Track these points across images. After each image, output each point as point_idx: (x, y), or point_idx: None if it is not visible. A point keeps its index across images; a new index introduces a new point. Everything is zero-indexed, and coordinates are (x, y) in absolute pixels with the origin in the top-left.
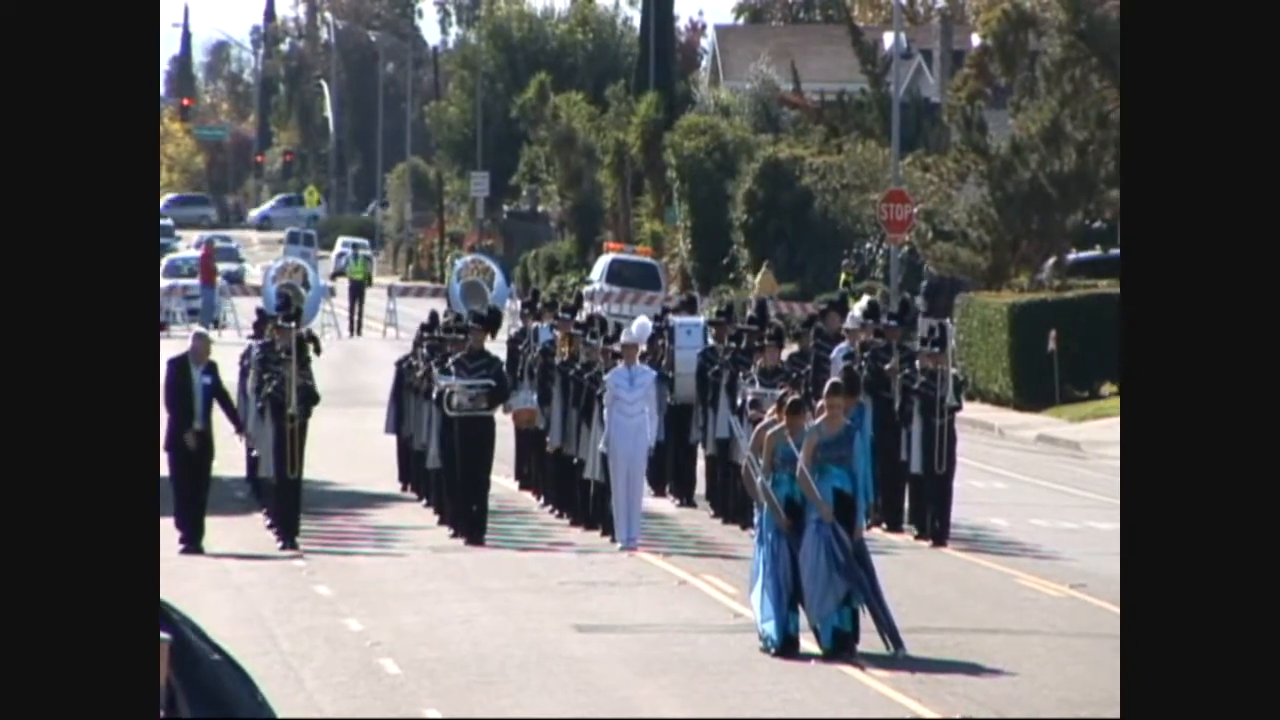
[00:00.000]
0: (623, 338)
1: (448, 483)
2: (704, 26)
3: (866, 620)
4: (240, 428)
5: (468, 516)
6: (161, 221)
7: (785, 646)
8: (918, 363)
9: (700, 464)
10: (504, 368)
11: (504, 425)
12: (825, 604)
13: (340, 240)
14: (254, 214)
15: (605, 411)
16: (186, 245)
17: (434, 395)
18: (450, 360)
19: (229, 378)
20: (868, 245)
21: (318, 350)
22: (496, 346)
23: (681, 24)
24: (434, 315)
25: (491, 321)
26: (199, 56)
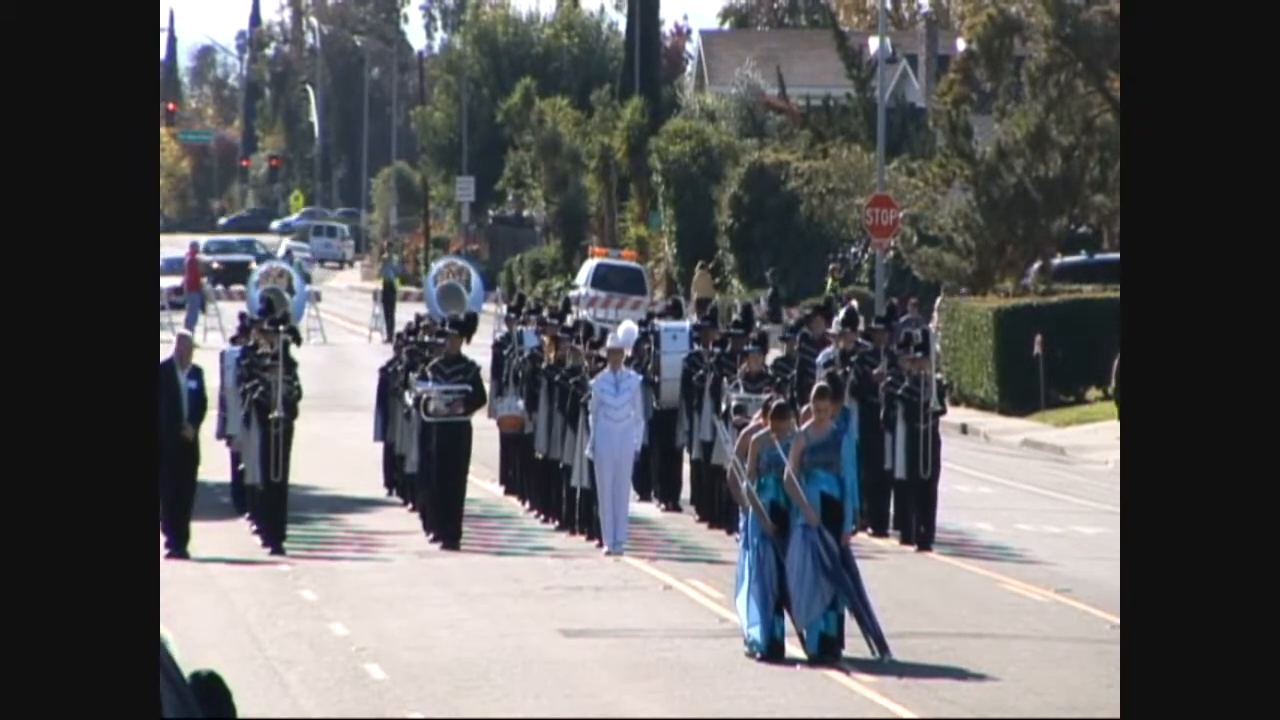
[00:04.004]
0: (608, 343)
1: (427, 488)
2: (689, 31)
3: (852, 625)
4: (193, 420)
5: (444, 522)
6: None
7: (770, 651)
8: (902, 367)
9: (686, 468)
10: (480, 373)
11: (489, 430)
12: (812, 609)
13: (285, 243)
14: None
15: (590, 417)
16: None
17: (411, 401)
18: (427, 366)
19: (213, 382)
20: (853, 250)
21: (297, 343)
22: (482, 351)
23: (667, 29)
24: (418, 318)
25: (467, 327)
26: (184, 61)
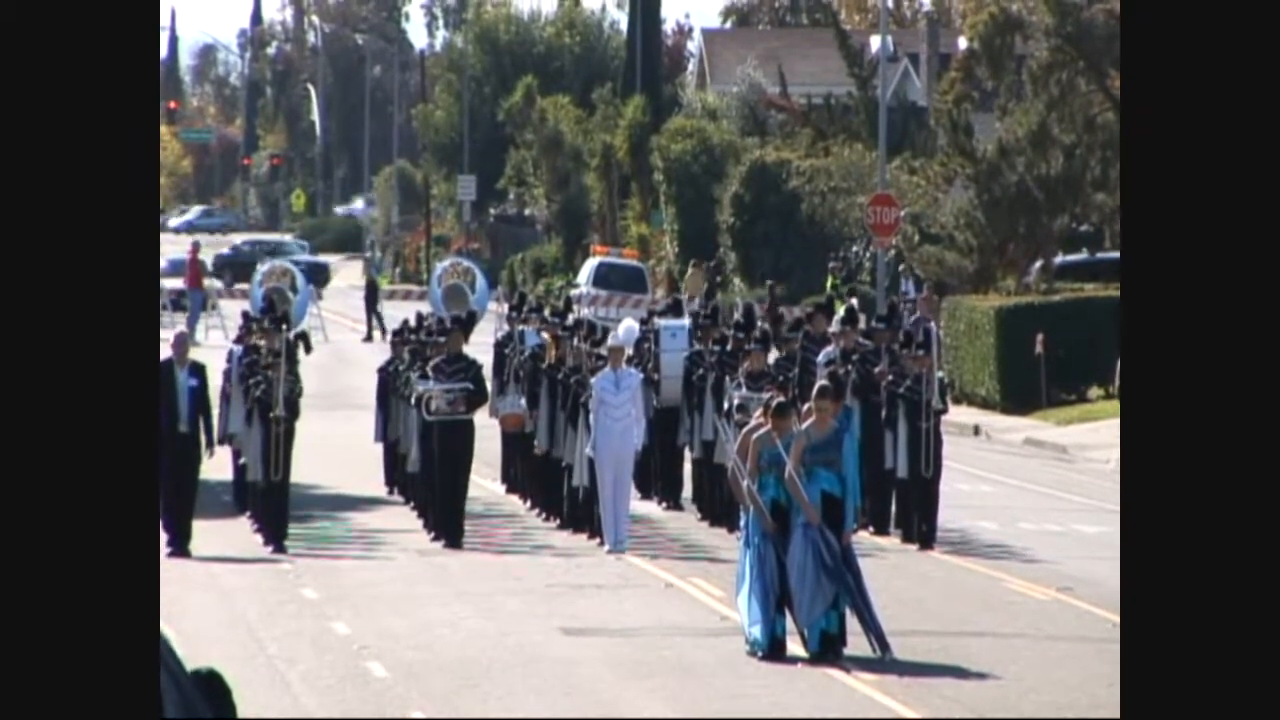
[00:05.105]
0: (609, 341)
1: (427, 487)
2: (690, 30)
3: (853, 623)
4: (211, 443)
5: (447, 520)
6: None
7: (772, 649)
8: (903, 365)
9: (687, 467)
10: (482, 371)
11: (490, 428)
12: (814, 608)
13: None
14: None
15: (591, 415)
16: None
17: (413, 400)
18: (428, 365)
19: (216, 381)
20: (855, 249)
21: (308, 349)
22: (484, 350)
23: (668, 27)
24: (420, 316)
25: (467, 325)
26: (186, 60)
